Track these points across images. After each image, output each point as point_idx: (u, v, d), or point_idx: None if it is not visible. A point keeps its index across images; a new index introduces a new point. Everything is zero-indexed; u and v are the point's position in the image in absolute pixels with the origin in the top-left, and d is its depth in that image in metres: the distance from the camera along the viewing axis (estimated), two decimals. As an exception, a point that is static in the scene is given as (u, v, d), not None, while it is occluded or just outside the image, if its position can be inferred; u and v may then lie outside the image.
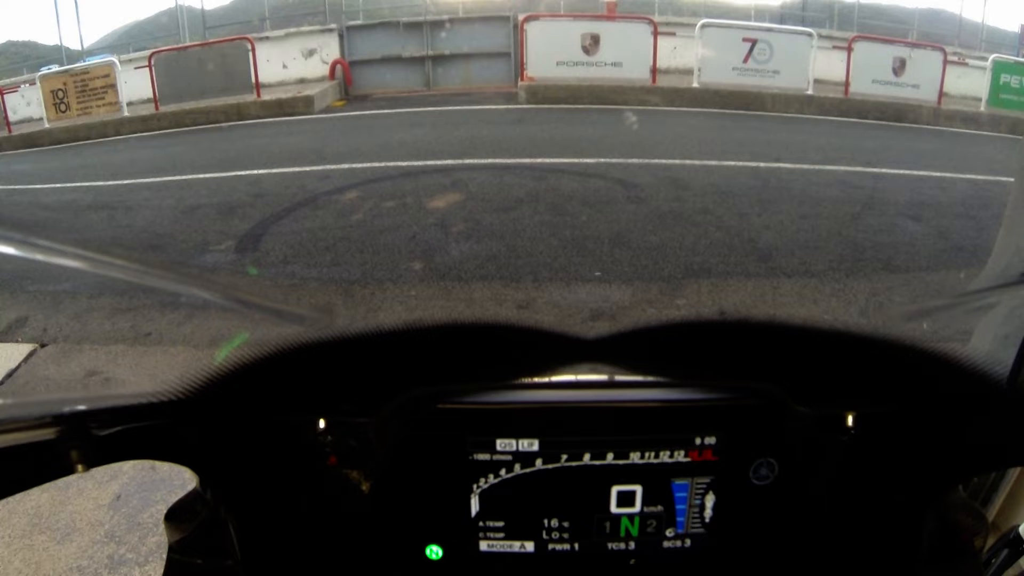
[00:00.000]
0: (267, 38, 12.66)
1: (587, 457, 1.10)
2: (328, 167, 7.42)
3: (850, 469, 1.14)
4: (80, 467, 1.00)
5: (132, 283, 4.28)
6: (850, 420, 1.11)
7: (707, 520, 1.15)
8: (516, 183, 5.40)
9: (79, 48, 13.27)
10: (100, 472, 3.20)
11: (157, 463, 3.16)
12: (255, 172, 7.55)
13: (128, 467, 3.22)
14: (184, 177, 7.72)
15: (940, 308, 1.67)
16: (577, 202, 5.43)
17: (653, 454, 1.10)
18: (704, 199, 6.44)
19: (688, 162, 7.53)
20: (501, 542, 1.16)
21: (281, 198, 6.59)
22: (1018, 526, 1.33)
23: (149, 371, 4.00)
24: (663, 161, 7.49)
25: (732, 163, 7.61)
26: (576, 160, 7.20)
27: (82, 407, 1.02)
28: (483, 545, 1.16)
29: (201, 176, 7.69)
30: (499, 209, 5.35)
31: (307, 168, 7.48)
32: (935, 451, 1.13)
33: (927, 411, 1.12)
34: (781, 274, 4.91)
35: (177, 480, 3.03)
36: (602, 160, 7.18)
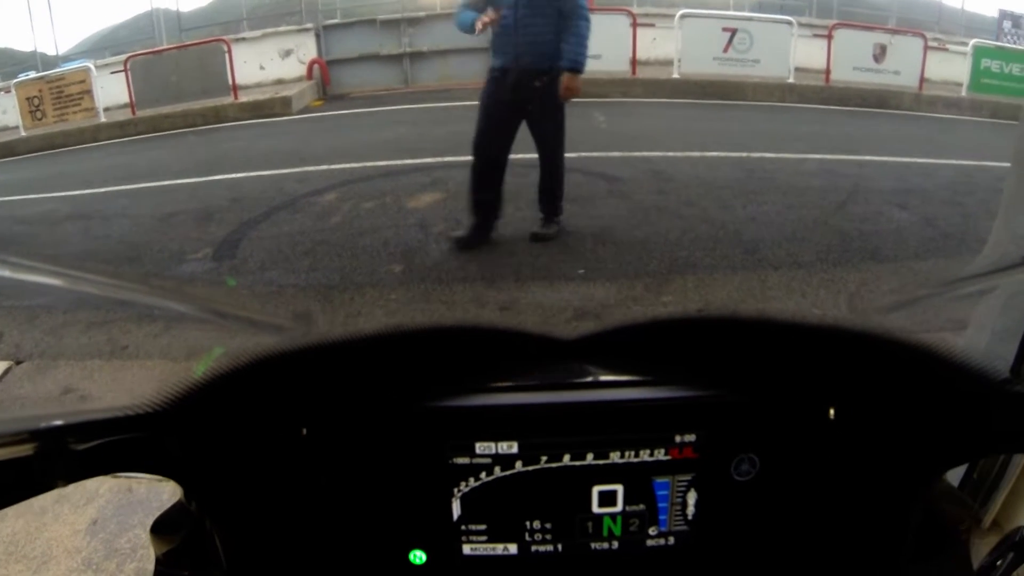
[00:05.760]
0: (243, 39, 12.60)
1: (567, 458, 1.11)
2: (307, 169, 7.37)
3: (833, 462, 1.14)
4: (60, 482, 0.99)
5: (109, 296, 4.19)
6: (832, 413, 1.11)
7: (690, 517, 1.15)
8: (496, 180, 5.38)
9: (55, 54, 13.16)
10: (76, 495, 3.13)
11: (134, 485, 3.09)
12: (233, 176, 7.51)
13: (105, 489, 3.15)
14: (162, 183, 7.65)
15: (931, 296, 1.67)
16: (558, 198, 5.39)
17: (633, 453, 1.11)
18: (688, 191, 6.43)
19: (670, 154, 7.51)
20: (484, 545, 1.16)
21: (259, 202, 6.55)
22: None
23: (127, 387, 3.94)
24: (645, 154, 7.46)
25: (715, 154, 7.58)
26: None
27: (59, 422, 1.00)
28: (466, 548, 1.17)
29: (179, 181, 7.61)
30: (479, 208, 5.30)
31: (285, 171, 7.42)
32: (919, 442, 1.12)
33: (911, 402, 1.11)
34: (768, 266, 4.88)
35: (155, 502, 2.98)
36: (583, 154, 7.10)
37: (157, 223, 6.42)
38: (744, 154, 7.58)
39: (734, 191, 6.46)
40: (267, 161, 7.84)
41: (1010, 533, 1.28)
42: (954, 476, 2.18)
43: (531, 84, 5.05)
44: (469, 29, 5.15)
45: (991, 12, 14.17)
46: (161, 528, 1.18)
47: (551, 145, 5.30)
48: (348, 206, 6.22)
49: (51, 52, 13.12)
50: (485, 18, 5.04)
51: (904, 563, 1.18)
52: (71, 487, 2.87)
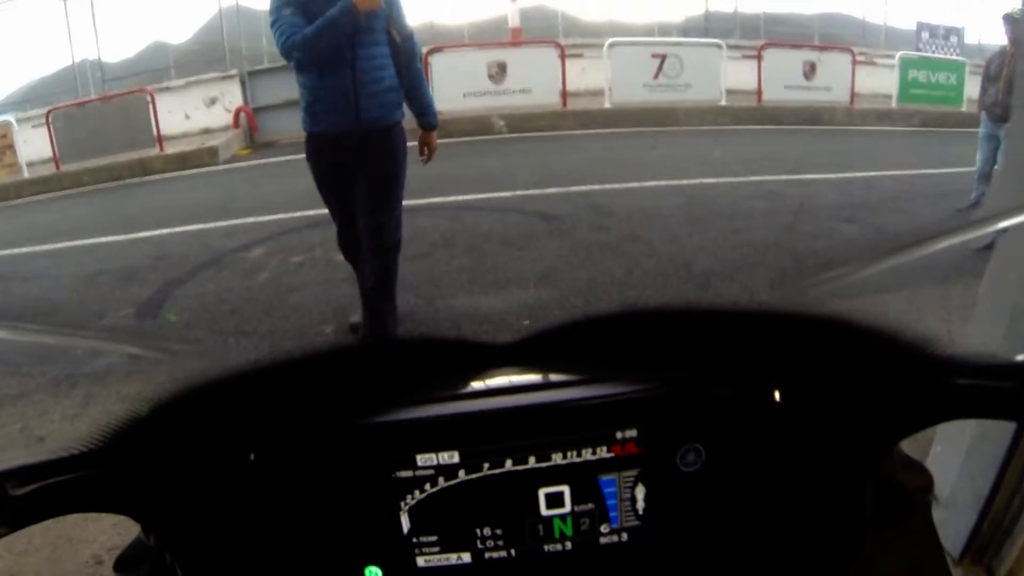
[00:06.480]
0: (167, 88, 12.46)
1: (509, 463, 1.11)
2: (233, 222, 7.22)
3: (783, 444, 1.14)
4: (2, 530, 0.97)
5: (33, 341, 4.21)
6: (777, 396, 1.12)
7: (640, 512, 1.16)
8: (429, 225, 5.19)
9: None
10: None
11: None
12: (158, 232, 7.30)
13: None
14: (85, 242, 7.48)
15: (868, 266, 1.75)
16: (496, 242, 5.22)
17: (575, 453, 1.12)
18: (630, 225, 6.36)
19: (609, 187, 7.48)
20: (437, 556, 1.16)
21: (184, 259, 6.36)
22: None
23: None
24: (582, 188, 7.41)
25: (654, 183, 7.59)
26: (492, 195, 7.09)
27: None
28: (420, 561, 1.16)
29: (102, 239, 7.43)
30: (412, 257, 5.06)
31: (211, 224, 7.27)
32: (871, 415, 1.13)
33: (858, 378, 1.11)
34: (724, 301, 4.77)
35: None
36: (519, 193, 7.08)
37: (79, 284, 6.24)
38: (684, 181, 7.61)
39: (678, 220, 6.44)
40: (193, 215, 7.69)
41: None
42: (963, 527, 2.08)
43: (375, 141, 3.92)
44: (320, 42, 3.69)
45: (910, 25, 14.82)
46: (123, 566, 1.14)
47: (388, 209, 4.03)
48: (276, 260, 6.05)
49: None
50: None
51: (867, 535, 1.18)
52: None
